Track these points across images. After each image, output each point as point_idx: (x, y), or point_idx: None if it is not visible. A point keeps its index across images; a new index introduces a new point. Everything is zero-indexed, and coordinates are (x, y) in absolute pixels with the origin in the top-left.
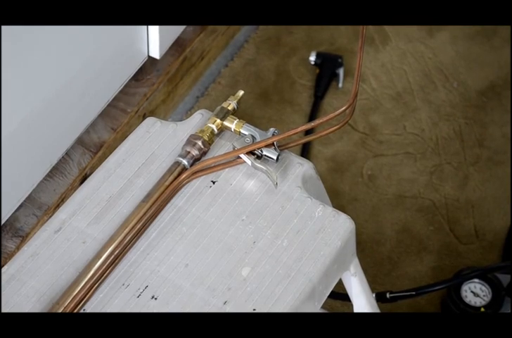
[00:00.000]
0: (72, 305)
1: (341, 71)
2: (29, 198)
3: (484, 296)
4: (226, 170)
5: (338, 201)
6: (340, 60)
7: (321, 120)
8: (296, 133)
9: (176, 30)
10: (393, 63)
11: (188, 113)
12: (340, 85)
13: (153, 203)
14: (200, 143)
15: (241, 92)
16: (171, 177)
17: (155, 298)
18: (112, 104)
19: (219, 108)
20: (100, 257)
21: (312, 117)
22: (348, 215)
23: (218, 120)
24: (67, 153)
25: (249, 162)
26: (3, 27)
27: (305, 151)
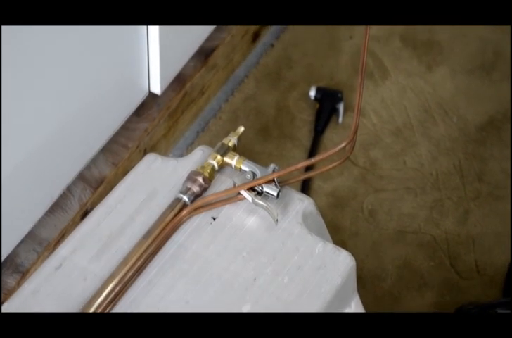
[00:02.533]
0: None
1: (341, 106)
2: (30, 234)
3: None
4: (227, 206)
5: (339, 236)
6: (339, 95)
7: (321, 156)
8: (296, 169)
9: (176, 66)
10: (393, 98)
11: (189, 147)
12: (340, 120)
13: (154, 240)
14: (200, 179)
15: (241, 128)
16: (172, 214)
17: None
18: (113, 139)
19: (219, 144)
20: (101, 294)
21: (312, 152)
22: (349, 250)
23: (218, 156)
24: (68, 189)
25: (249, 198)
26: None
27: (305, 186)
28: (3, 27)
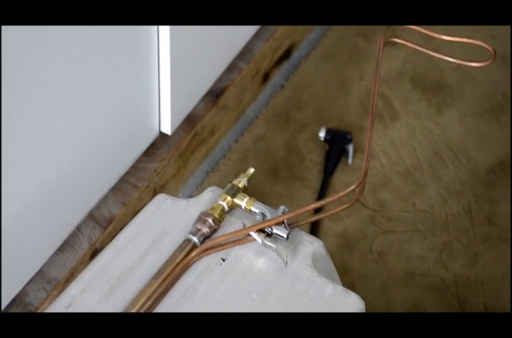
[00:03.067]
0: None
1: (350, 147)
2: (39, 273)
3: None
4: (236, 247)
5: (348, 277)
6: (349, 136)
7: (331, 199)
8: (306, 211)
9: (187, 106)
10: (402, 140)
11: (199, 187)
12: (350, 161)
13: (163, 281)
14: (210, 220)
15: (251, 170)
16: (182, 255)
17: None
18: (123, 179)
19: (229, 185)
20: None
21: (322, 193)
22: (358, 292)
23: (228, 198)
24: (78, 228)
25: (259, 240)
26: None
27: (314, 227)
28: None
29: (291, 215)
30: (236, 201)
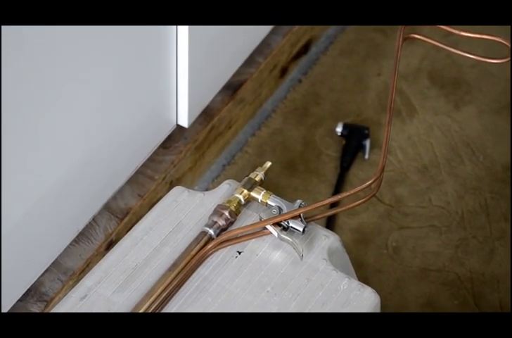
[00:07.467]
0: None
1: (367, 142)
2: (55, 263)
3: None
4: (253, 240)
5: (362, 272)
6: (366, 131)
7: (347, 193)
8: (323, 205)
9: (204, 99)
10: (420, 136)
11: (215, 180)
12: (366, 156)
13: (179, 273)
14: (227, 213)
15: (268, 163)
16: (198, 247)
17: None
18: (140, 171)
19: (246, 178)
20: None
21: (338, 188)
22: (372, 287)
23: (245, 191)
24: (94, 219)
25: (275, 233)
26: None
27: (330, 222)
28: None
29: (307, 209)
30: (253, 194)
